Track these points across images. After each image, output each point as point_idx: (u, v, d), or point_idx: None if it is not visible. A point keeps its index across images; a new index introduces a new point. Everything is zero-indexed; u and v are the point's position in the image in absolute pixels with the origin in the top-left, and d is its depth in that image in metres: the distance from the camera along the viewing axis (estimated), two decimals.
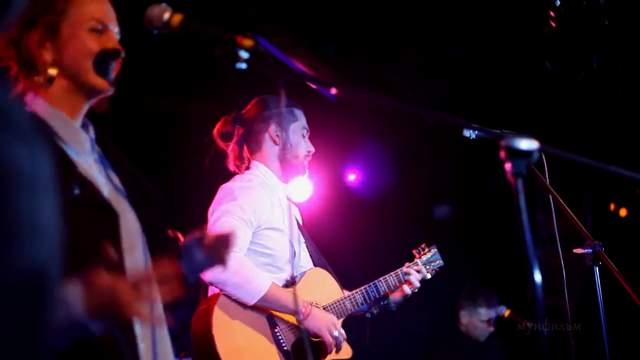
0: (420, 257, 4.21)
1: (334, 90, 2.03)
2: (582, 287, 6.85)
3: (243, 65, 1.79)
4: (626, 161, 6.64)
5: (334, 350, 3.74)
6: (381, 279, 4.01)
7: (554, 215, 3.16)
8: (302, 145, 3.92)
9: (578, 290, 7.01)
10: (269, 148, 3.89)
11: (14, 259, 0.79)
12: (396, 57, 6.32)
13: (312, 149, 3.97)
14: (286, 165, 3.90)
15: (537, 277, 1.63)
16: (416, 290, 4.06)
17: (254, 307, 3.55)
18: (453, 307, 6.57)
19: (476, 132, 3.00)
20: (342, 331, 3.78)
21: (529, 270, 1.63)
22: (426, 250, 4.27)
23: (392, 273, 4.05)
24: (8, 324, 0.79)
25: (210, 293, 3.63)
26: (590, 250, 3.00)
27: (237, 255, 3.46)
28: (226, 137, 3.92)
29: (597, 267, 3.01)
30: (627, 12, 5.52)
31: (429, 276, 4.17)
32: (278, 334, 3.59)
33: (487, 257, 7.75)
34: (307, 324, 3.65)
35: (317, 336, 3.73)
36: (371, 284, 3.98)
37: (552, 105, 6.97)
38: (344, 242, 7.52)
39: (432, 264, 4.23)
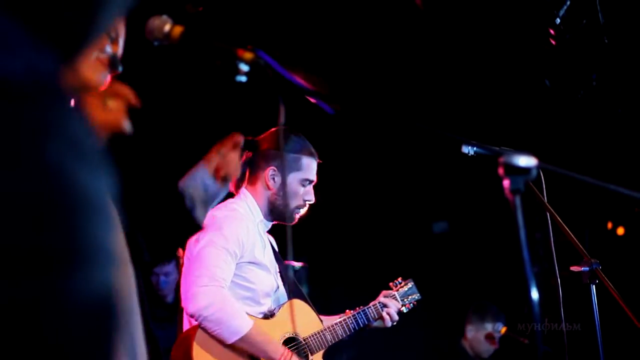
0: (397, 290, 4.20)
1: (335, 106, 2.03)
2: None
3: (243, 78, 1.79)
4: (625, 180, 6.65)
5: None
6: (360, 310, 3.99)
7: (551, 233, 3.16)
8: (297, 195, 3.81)
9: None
10: (262, 187, 3.81)
11: (85, 283, 0.81)
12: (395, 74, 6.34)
13: (311, 200, 3.87)
14: (274, 209, 3.82)
15: (534, 293, 1.63)
16: (394, 323, 4.07)
17: (232, 345, 3.50)
18: (451, 324, 6.58)
19: (475, 148, 3.01)
20: None
21: (526, 286, 1.63)
22: (402, 284, 4.25)
23: (370, 305, 4.03)
24: (77, 348, 0.81)
25: (186, 322, 3.60)
26: (587, 268, 3.00)
27: (221, 291, 3.42)
28: None
29: (593, 285, 3.01)
30: (627, 30, 5.54)
31: (404, 310, 4.17)
32: None
33: (486, 274, 7.74)
34: None
35: None
36: (350, 316, 3.96)
37: (551, 122, 6.98)
38: (336, 256, 7.53)
39: (409, 297, 4.23)
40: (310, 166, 3.84)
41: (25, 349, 0.76)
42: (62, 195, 0.78)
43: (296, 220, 3.88)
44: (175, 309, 4.85)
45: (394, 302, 4.08)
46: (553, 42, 5.13)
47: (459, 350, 6.39)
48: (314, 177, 3.87)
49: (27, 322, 0.76)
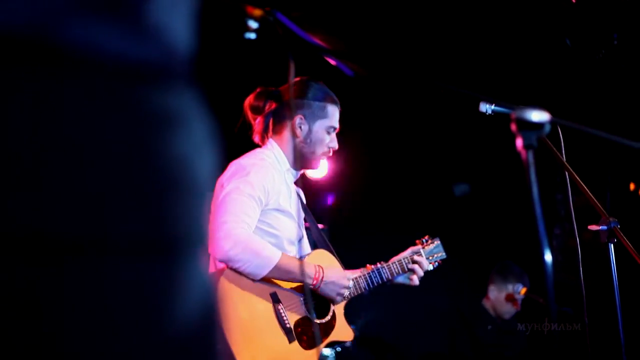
0: (423, 248, 4.22)
1: (355, 67, 2.01)
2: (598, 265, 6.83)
3: (252, 36, 1.77)
4: None
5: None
6: (385, 265, 4.02)
7: (569, 193, 3.13)
8: (323, 142, 3.88)
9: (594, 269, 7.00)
10: (289, 136, 3.86)
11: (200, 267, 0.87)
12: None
13: (335, 146, 3.94)
14: (301, 156, 3.88)
15: (547, 254, 1.61)
16: (418, 283, 4.09)
17: (260, 282, 3.54)
18: (473, 286, 6.58)
19: (493, 106, 2.99)
20: (352, 282, 3.85)
21: (540, 246, 1.61)
22: (429, 241, 4.27)
23: (395, 261, 4.06)
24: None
25: (212, 267, 3.64)
26: (605, 227, 2.98)
27: (244, 231, 3.45)
28: (256, 110, 3.89)
29: (612, 245, 2.99)
30: None
31: (431, 267, 4.18)
32: (281, 310, 3.59)
33: (507, 235, 7.72)
34: (320, 291, 3.69)
35: (322, 315, 3.77)
36: (374, 269, 3.98)
37: (572, 82, 6.92)
38: (359, 217, 7.54)
39: (435, 255, 4.24)
40: (334, 114, 3.92)
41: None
42: (181, 186, 0.79)
43: (320, 166, 4.00)
44: None
45: (420, 259, 4.10)
46: (574, 0, 5.06)
47: (480, 311, 6.40)
48: (337, 124, 3.94)
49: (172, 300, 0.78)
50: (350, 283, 3.82)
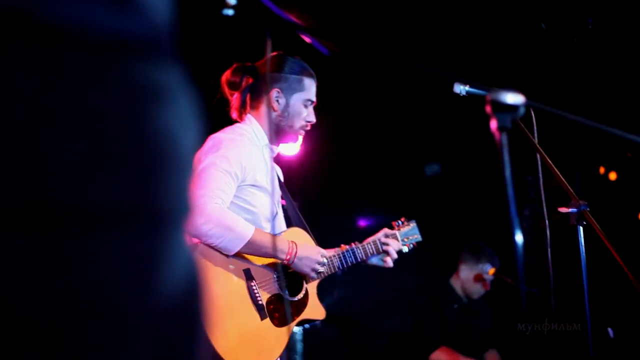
0: (399, 230, 4.24)
1: (330, 46, 2.02)
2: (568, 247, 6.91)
3: (230, 12, 1.77)
4: (619, 125, 6.63)
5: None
6: (359, 245, 4.04)
7: (540, 174, 3.16)
8: (300, 115, 3.87)
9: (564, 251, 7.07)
10: (267, 110, 3.86)
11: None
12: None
13: (313, 120, 3.94)
14: (279, 130, 3.88)
15: (518, 235, 1.63)
16: (392, 265, 4.12)
17: (233, 258, 3.55)
18: (442, 265, 6.62)
19: (467, 88, 3.00)
20: (326, 259, 3.86)
21: (511, 227, 1.63)
22: (405, 223, 4.30)
23: (370, 241, 4.09)
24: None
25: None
26: (575, 210, 3.01)
27: (218, 207, 3.46)
28: (233, 85, 3.88)
29: (581, 227, 3.02)
30: None
31: (405, 249, 4.21)
32: (254, 287, 3.60)
33: (478, 216, 7.77)
34: (293, 266, 3.70)
35: (295, 293, 3.79)
36: (349, 249, 4.00)
37: (546, 66, 6.96)
38: (330, 197, 7.55)
39: (410, 238, 4.27)
40: (311, 87, 3.92)
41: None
42: (166, 159, 0.79)
43: (298, 140, 3.98)
44: None
45: (393, 241, 4.13)
46: None
47: (448, 289, 6.43)
48: (314, 98, 3.94)
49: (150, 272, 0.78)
50: (324, 260, 3.84)
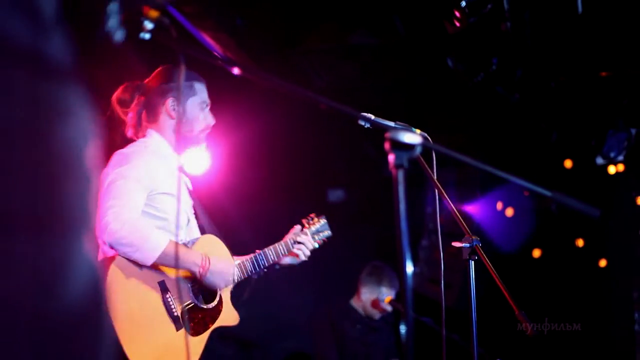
0: (309, 227, 4.36)
1: (235, 71, 2.05)
2: (462, 280, 7.08)
3: (147, 36, 1.80)
4: (516, 164, 6.86)
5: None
6: (271, 247, 4.12)
7: (437, 209, 3.29)
8: (199, 119, 3.95)
9: (459, 283, 7.25)
10: (165, 120, 3.91)
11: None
12: (302, 39, 6.36)
13: (212, 122, 4.02)
14: (181, 137, 3.95)
15: (409, 266, 1.70)
16: (305, 259, 4.22)
17: (148, 270, 3.56)
18: (345, 285, 6.66)
19: (371, 118, 3.07)
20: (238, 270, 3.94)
21: (401, 259, 1.69)
22: (315, 220, 4.42)
23: (281, 242, 4.18)
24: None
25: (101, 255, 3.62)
26: (467, 245, 3.13)
27: (132, 216, 3.49)
28: (124, 103, 3.93)
29: (472, 262, 3.13)
30: (529, 19, 5.70)
31: (316, 245, 4.34)
32: (169, 299, 3.61)
33: (379, 241, 7.85)
34: (205, 280, 3.73)
35: (209, 301, 3.81)
36: (261, 252, 4.09)
37: (450, 102, 7.13)
38: (238, 212, 7.54)
39: (321, 233, 4.40)
40: (202, 90, 4.02)
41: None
42: (66, 168, 0.81)
43: (203, 143, 4.03)
44: None
45: (305, 238, 4.23)
46: (457, 24, 5.24)
47: (349, 310, 6.47)
48: (208, 100, 4.03)
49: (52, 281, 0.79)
50: (237, 271, 3.90)
